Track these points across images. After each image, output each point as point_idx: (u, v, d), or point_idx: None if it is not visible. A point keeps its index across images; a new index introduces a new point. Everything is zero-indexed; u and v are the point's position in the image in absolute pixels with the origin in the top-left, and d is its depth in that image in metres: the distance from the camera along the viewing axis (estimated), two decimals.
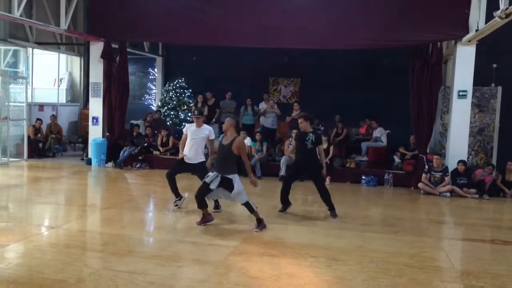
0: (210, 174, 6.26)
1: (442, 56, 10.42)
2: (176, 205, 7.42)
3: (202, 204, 6.34)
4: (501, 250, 6.04)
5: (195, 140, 7.15)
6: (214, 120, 13.14)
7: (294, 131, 10.96)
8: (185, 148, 7.24)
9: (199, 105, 12.83)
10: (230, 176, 6.13)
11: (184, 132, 7.43)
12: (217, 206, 7.28)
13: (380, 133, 12.00)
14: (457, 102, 9.99)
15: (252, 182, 6.35)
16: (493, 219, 8.34)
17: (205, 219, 6.44)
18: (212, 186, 6.12)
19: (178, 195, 7.46)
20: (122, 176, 10.82)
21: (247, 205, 6.24)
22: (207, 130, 7.25)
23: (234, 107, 12.99)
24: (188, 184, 10.15)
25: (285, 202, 7.33)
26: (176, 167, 7.44)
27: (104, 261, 4.90)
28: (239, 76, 13.72)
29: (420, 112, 10.14)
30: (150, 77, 16.15)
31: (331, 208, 7.17)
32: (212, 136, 7.32)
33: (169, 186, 7.40)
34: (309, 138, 7.17)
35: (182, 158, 7.25)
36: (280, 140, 12.50)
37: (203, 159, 7.26)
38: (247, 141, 10.89)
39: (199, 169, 7.19)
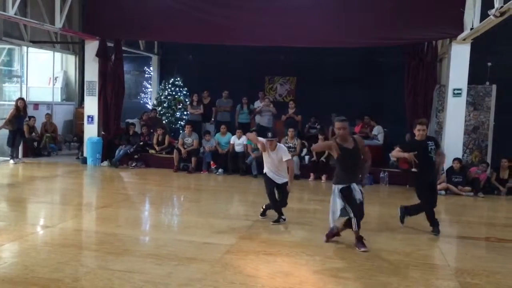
0: (355, 191, 5.51)
1: (437, 55, 10.46)
2: (277, 222, 6.65)
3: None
4: (496, 247, 6.07)
5: (274, 164, 6.61)
6: (212, 119, 13.13)
7: (291, 129, 11.00)
8: (267, 167, 6.70)
9: (194, 103, 12.83)
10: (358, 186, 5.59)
11: (260, 142, 6.72)
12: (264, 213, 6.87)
13: (377, 131, 12.01)
14: (452, 100, 10.04)
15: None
16: (487, 217, 8.38)
17: (333, 233, 5.75)
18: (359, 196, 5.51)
19: (282, 213, 6.73)
20: (117, 175, 10.80)
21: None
22: (282, 151, 6.65)
23: (230, 106, 12.98)
24: (184, 183, 10.18)
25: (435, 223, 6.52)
26: (272, 186, 6.69)
27: (100, 260, 4.89)
28: (235, 75, 13.69)
29: (415, 110, 10.19)
30: (146, 75, 16.10)
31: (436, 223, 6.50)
32: (287, 157, 6.64)
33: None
34: (431, 148, 6.28)
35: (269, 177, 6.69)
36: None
37: (287, 180, 6.69)
38: (243, 139, 10.89)
39: (281, 187, 6.68)
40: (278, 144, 6.76)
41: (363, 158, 5.69)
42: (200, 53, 14.30)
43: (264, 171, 6.76)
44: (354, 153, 5.56)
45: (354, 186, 5.54)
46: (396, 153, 6.59)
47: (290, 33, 10.45)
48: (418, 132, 6.36)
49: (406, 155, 6.23)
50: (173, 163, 11.29)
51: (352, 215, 5.48)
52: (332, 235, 5.76)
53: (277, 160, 6.62)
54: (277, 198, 6.67)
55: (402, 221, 6.74)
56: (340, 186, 5.53)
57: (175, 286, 4.22)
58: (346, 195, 5.47)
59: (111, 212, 7.10)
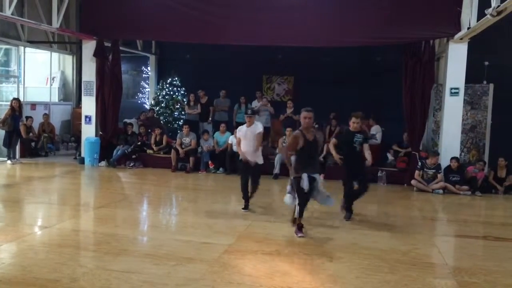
0: (304, 182, 5.76)
1: (434, 54, 10.48)
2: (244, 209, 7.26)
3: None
4: (493, 246, 6.09)
5: (250, 142, 6.98)
6: (210, 119, 13.11)
7: (289, 129, 11.00)
8: (242, 150, 7.05)
9: (191, 103, 12.82)
10: (316, 176, 5.94)
11: (237, 136, 7.28)
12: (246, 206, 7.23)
13: (376, 131, 12.01)
14: (449, 100, 10.07)
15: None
16: (485, 216, 8.40)
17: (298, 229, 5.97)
18: (306, 188, 5.77)
19: (247, 204, 7.26)
20: (115, 175, 10.79)
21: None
22: (258, 126, 7.08)
23: (228, 105, 12.98)
24: (182, 183, 10.17)
25: (349, 210, 6.99)
26: (246, 174, 7.11)
27: (97, 260, 4.89)
28: (232, 74, 13.67)
29: (413, 109, 10.21)
30: (143, 75, 16.08)
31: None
32: (259, 130, 7.07)
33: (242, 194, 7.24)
34: (357, 140, 6.77)
35: (245, 163, 7.03)
36: (274, 138, 12.48)
37: (261, 161, 7.13)
38: None
39: (255, 171, 7.00)
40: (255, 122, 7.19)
41: (317, 150, 6.10)
42: (197, 52, 14.27)
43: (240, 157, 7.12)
44: (314, 144, 5.97)
45: (310, 175, 5.80)
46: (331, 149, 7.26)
47: (288, 32, 10.44)
48: (352, 124, 6.89)
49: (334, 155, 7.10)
50: (171, 163, 11.29)
51: (297, 202, 5.90)
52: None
53: (252, 135, 7.00)
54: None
55: (348, 218, 6.91)
56: (293, 176, 5.93)
57: (173, 286, 4.22)
58: (296, 184, 5.85)
59: (109, 212, 7.09)
